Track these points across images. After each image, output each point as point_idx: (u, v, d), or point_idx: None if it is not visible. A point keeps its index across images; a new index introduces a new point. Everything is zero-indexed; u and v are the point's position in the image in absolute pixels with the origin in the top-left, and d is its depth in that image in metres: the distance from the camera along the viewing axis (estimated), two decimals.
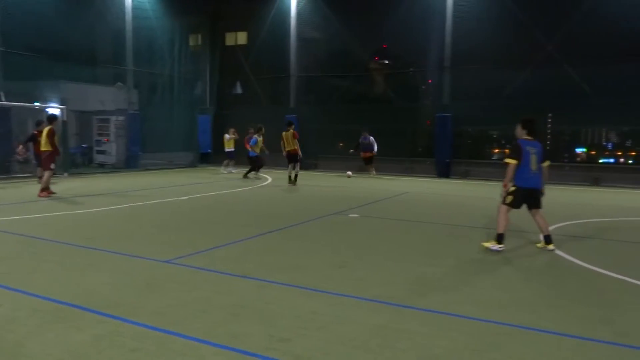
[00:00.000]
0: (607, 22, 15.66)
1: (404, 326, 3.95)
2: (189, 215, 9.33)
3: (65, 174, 16.06)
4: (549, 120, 18.40)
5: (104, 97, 19.69)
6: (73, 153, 18.62)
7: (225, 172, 18.36)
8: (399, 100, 20.21)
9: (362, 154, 18.33)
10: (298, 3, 21.52)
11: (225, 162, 18.75)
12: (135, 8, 19.93)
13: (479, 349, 3.56)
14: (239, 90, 24.47)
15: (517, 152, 6.57)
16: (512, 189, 6.66)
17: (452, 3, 18.43)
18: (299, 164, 14.86)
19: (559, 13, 16.99)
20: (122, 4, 19.57)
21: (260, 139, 16.52)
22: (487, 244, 6.68)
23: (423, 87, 21.82)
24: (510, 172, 6.59)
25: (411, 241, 7.34)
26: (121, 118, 19.49)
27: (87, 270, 5.43)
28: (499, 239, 6.60)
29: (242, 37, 24.43)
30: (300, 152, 14.88)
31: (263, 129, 16.28)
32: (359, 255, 6.40)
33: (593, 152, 18.31)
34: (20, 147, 15.17)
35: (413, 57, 20.88)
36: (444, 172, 18.54)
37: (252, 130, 19.96)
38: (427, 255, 6.45)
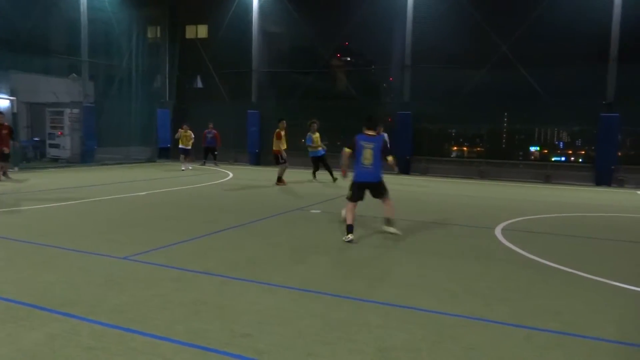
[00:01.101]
0: (558, 26, 16.34)
1: (363, 319, 4.03)
2: (148, 211, 9.15)
3: (16, 169, 15.39)
4: (505, 119, 19.04)
5: (57, 88, 18.97)
6: (24, 146, 17.89)
7: (183, 168, 17.86)
8: (360, 98, 20.40)
9: None
10: None
11: (181, 157, 18.14)
12: None
13: (436, 340, 3.68)
14: (199, 84, 24.11)
15: (351, 143, 7.07)
16: (350, 183, 7.17)
17: (412, 3, 18.76)
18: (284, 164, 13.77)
19: (513, 16, 17.58)
20: None
21: (316, 135, 14.40)
22: (345, 238, 6.86)
23: (385, 85, 22.13)
24: (342, 158, 7.15)
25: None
26: (76, 111, 18.85)
27: (41, 268, 5.26)
28: (349, 229, 6.86)
29: (202, 30, 24.04)
30: (283, 153, 13.57)
31: (314, 125, 14.23)
32: (319, 250, 6.46)
33: (545, 151, 19.07)
34: None
35: (375, 55, 21.16)
36: (404, 169, 18.85)
37: (211, 125, 19.90)
38: (386, 250, 6.56)
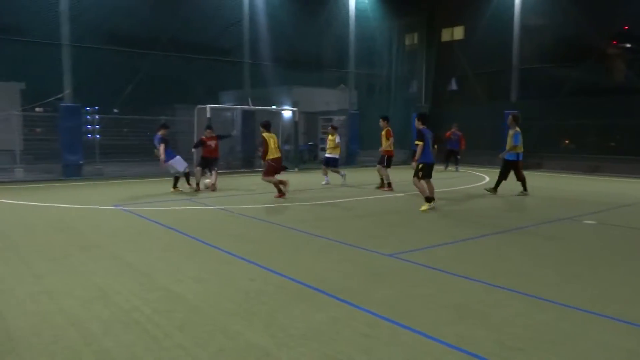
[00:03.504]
0: None
1: None
2: (406, 210, 9.50)
3: (296, 169, 18.01)
4: None
5: (328, 98, 21.45)
6: (301, 150, 20.74)
7: (323, 182, 13.75)
8: None
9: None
10: None
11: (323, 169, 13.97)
12: (357, 15, 21.17)
13: None
14: (454, 86, 23.98)
15: (422, 137, 9.05)
16: (421, 165, 9.16)
17: None
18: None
19: None
20: (347, 11, 20.98)
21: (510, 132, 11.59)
22: (423, 208, 9.20)
23: None
24: (420, 151, 9.05)
25: None
26: (342, 117, 20.94)
27: (318, 256, 6.01)
28: (428, 200, 9.26)
29: (458, 32, 23.87)
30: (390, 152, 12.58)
31: (511, 118, 11.62)
32: (595, 267, 5.70)
33: None
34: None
35: None
36: None
37: (456, 126, 18.61)
38: None
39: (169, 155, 11.64)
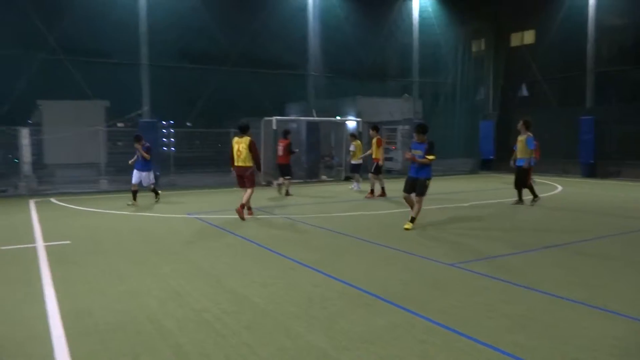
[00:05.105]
0: None
1: None
2: (469, 222, 9.38)
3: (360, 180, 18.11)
4: None
5: (392, 108, 21.43)
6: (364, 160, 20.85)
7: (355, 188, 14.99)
8: None
9: None
10: None
11: (356, 176, 15.26)
12: (421, 24, 21.08)
13: None
14: (524, 92, 23.19)
15: (433, 149, 8.39)
16: (429, 181, 8.44)
17: None
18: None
19: None
20: (410, 20, 20.95)
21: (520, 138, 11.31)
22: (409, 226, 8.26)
23: None
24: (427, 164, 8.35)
25: None
26: (407, 127, 20.83)
27: (381, 265, 6.12)
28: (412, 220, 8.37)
29: (529, 36, 23.12)
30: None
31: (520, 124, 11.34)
32: None
33: None
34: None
35: None
36: None
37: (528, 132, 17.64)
38: None
39: (145, 166, 12.03)
